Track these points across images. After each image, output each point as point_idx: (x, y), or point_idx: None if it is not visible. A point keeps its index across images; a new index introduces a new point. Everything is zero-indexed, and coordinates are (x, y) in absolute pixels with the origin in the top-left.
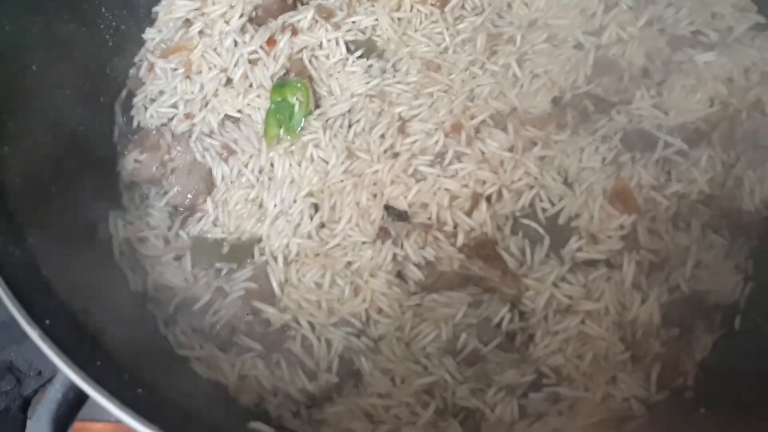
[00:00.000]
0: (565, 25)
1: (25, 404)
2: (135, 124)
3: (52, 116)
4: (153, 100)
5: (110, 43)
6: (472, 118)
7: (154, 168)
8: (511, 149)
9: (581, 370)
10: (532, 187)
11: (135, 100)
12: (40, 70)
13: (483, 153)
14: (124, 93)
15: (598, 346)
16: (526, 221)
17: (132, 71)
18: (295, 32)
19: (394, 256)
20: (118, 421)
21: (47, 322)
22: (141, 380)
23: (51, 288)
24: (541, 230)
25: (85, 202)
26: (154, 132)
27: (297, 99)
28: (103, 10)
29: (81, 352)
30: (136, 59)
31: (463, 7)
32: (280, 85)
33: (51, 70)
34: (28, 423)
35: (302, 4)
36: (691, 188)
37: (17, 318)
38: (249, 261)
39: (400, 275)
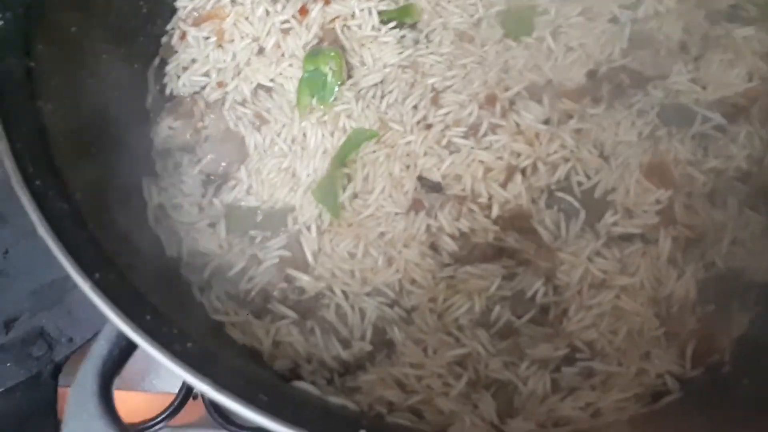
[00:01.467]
0: None
1: (56, 370)
2: (168, 92)
3: (90, 81)
4: (185, 69)
5: (144, 10)
6: (507, 89)
7: (188, 135)
8: (546, 122)
9: (615, 345)
10: (567, 160)
11: (167, 68)
12: (80, 33)
13: (518, 125)
14: (156, 61)
15: (632, 321)
16: (561, 194)
17: (164, 39)
18: (327, 1)
19: (428, 227)
20: (148, 391)
21: (97, 275)
22: (190, 335)
23: (99, 244)
24: (576, 204)
25: (121, 166)
26: (188, 99)
27: (330, 68)
28: None
29: (131, 306)
30: (168, 27)
31: None
32: (314, 53)
33: (90, 33)
34: (60, 390)
35: None
36: (728, 164)
37: (69, 270)
38: (283, 229)
39: (433, 246)
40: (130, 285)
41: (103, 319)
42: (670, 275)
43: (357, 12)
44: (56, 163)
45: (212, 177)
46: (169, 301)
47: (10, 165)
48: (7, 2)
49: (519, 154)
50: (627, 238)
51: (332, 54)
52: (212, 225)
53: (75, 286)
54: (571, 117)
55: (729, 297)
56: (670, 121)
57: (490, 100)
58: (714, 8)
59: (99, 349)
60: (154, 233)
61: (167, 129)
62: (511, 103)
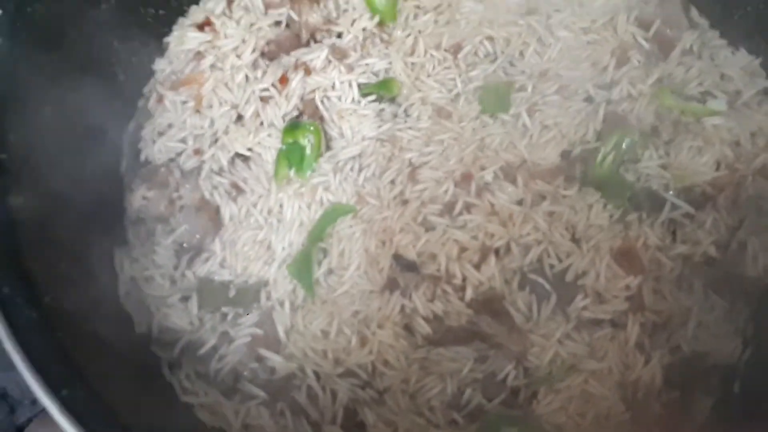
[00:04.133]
0: (576, 77)
1: None
2: (143, 157)
3: (64, 156)
4: (161, 134)
5: (120, 77)
6: (482, 169)
7: (162, 206)
8: (520, 202)
9: (583, 428)
10: (540, 243)
11: (143, 132)
12: (54, 110)
13: (492, 205)
14: (132, 125)
15: (600, 405)
16: (533, 276)
17: (140, 103)
18: (308, 71)
19: (402, 307)
20: None
21: (65, 392)
22: None
23: (67, 354)
24: (548, 286)
25: (91, 237)
26: (163, 169)
27: (308, 141)
28: (116, 43)
29: (100, 426)
30: (145, 90)
31: (476, 53)
32: (293, 127)
33: (65, 101)
34: None
35: (315, 42)
36: (695, 250)
37: (35, 389)
38: (255, 305)
39: (407, 327)
40: (99, 400)
41: None
42: (637, 360)
43: (337, 84)
44: (26, 263)
45: (185, 246)
46: (137, 392)
47: None
48: None
49: (493, 235)
50: (597, 322)
51: (311, 128)
52: (184, 299)
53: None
54: (544, 198)
55: (693, 381)
56: (641, 206)
57: (466, 178)
58: (685, 94)
59: None
60: (124, 310)
61: (141, 199)
62: (486, 183)
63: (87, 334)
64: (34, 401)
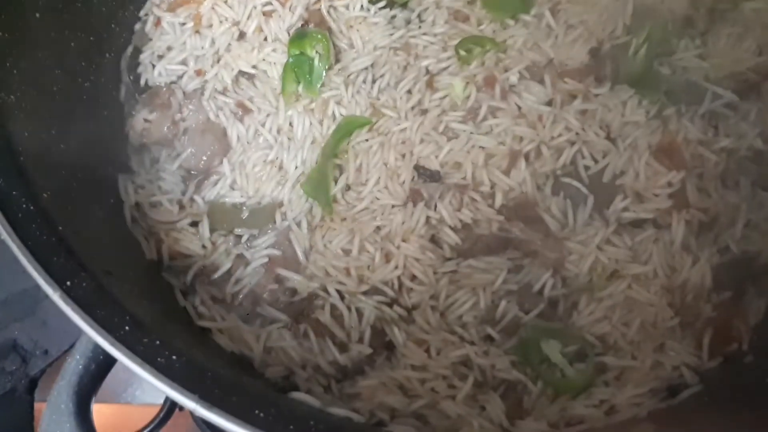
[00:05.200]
0: None
1: (32, 385)
2: (143, 82)
3: (57, 72)
4: (161, 57)
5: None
6: (506, 70)
7: (165, 128)
8: (549, 103)
9: (628, 338)
10: (573, 143)
11: (142, 56)
12: (44, 19)
13: (519, 108)
14: (129, 49)
15: (645, 312)
16: (567, 180)
17: (137, 26)
18: None
19: (428, 219)
20: (130, 403)
21: (68, 283)
22: (173, 346)
23: (70, 249)
24: (584, 189)
25: (95, 163)
26: (164, 89)
27: (316, 52)
28: None
29: (107, 316)
30: (142, 13)
31: None
32: (299, 36)
33: (54, 20)
34: (36, 405)
35: None
36: (740, 143)
37: (37, 279)
38: (270, 226)
39: (434, 240)
40: (106, 293)
41: (80, 330)
42: (684, 262)
43: None
44: (20, 162)
45: (193, 172)
46: (150, 310)
47: None
48: None
49: (522, 138)
50: (638, 224)
51: (319, 36)
52: (194, 224)
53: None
54: (574, 97)
55: (745, 282)
56: (679, 99)
57: (489, 82)
58: None
59: (74, 365)
60: (132, 235)
61: (143, 122)
62: (511, 85)
63: (92, 237)
64: (47, 351)
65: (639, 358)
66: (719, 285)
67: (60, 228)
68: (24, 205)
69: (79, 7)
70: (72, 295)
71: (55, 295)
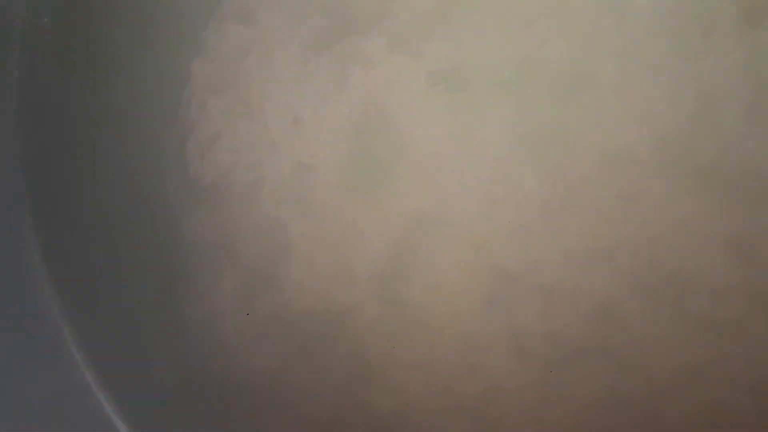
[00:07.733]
0: None
1: None
2: (191, 175)
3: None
4: (209, 145)
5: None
6: None
7: (224, 230)
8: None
9: None
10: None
11: (187, 145)
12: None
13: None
14: (174, 138)
15: None
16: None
17: (180, 112)
18: (367, 65)
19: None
20: None
21: None
22: None
23: None
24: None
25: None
26: (218, 186)
27: (378, 144)
28: None
29: None
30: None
31: None
32: (359, 130)
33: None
34: None
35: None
36: None
37: None
38: (341, 335)
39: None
40: None
41: None
42: None
43: (404, 74)
44: None
45: (254, 275)
46: None
47: None
48: None
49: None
50: None
51: (380, 129)
52: (260, 337)
53: None
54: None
55: None
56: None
57: None
58: None
59: None
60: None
61: (199, 224)
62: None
63: None
64: None
65: None
66: None
67: None
68: None
69: (121, 96)
70: None
71: None
